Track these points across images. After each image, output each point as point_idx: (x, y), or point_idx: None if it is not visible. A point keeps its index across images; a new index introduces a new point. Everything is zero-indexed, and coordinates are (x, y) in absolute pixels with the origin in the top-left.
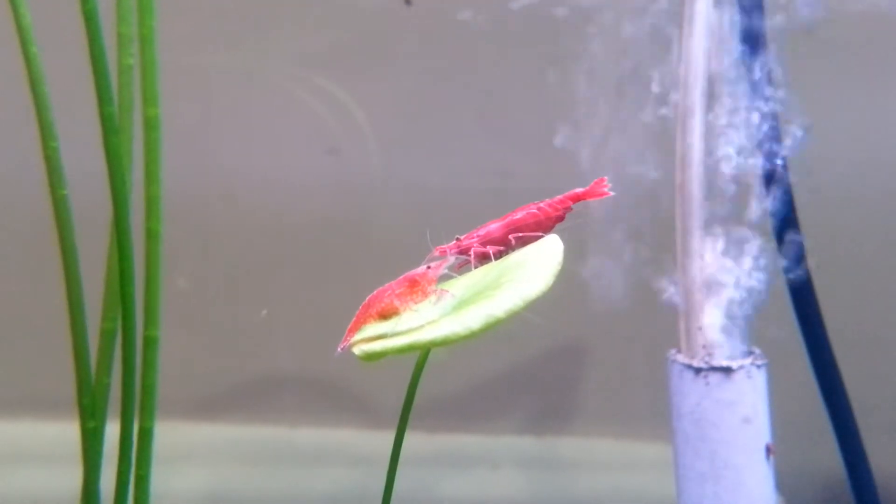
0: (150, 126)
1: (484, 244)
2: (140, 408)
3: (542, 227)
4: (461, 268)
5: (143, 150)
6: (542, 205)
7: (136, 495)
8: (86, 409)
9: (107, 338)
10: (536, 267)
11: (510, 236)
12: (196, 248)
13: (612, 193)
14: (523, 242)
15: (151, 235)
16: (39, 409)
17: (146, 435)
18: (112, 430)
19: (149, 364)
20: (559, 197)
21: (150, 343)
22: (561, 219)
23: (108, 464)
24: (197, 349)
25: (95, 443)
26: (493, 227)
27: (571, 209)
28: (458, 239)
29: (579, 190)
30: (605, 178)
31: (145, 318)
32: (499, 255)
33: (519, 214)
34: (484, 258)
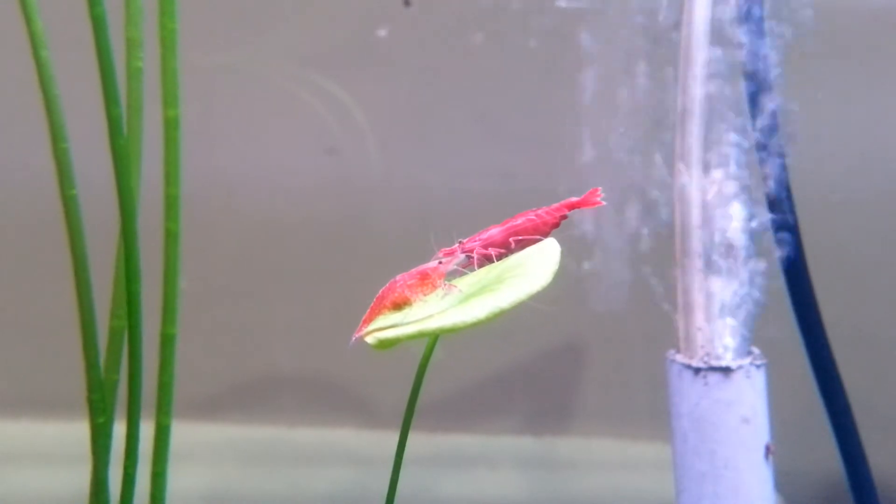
0: (170, 127)
1: (486, 247)
2: (157, 405)
3: (540, 231)
4: (465, 268)
5: (163, 151)
6: (539, 212)
7: (153, 492)
8: (95, 405)
9: (115, 335)
10: (537, 265)
11: (510, 239)
12: (195, 247)
13: (605, 203)
14: (522, 246)
15: (170, 235)
16: (40, 408)
17: (163, 432)
18: (117, 430)
19: (166, 361)
20: (555, 205)
21: (167, 341)
22: (556, 225)
23: (114, 463)
24: (196, 349)
25: (104, 438)
26: (494, 231)
27: (567, 217)
28: (460, 242)
29: (574, 199)
30: (599, 188)
31: (163, 316)
32: (500, 257)
33: (518, 220)
34: (486, 259)
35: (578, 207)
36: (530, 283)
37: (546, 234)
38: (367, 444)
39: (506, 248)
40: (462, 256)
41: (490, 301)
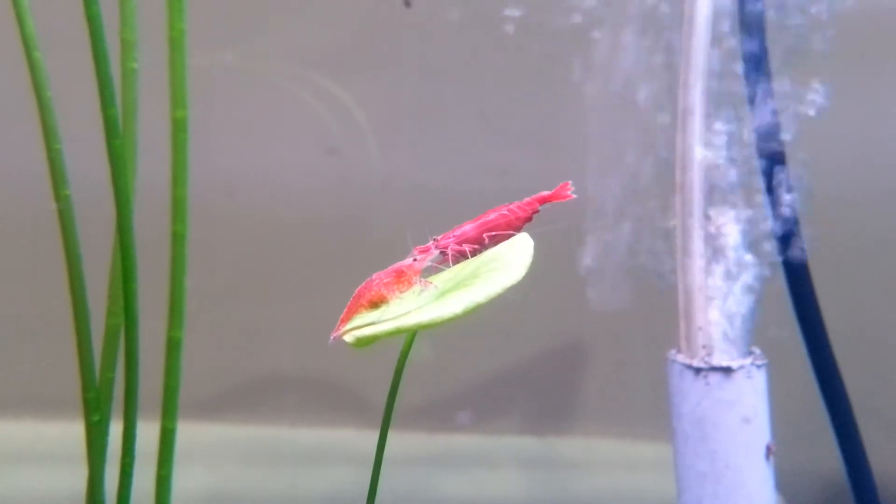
0: (178, 128)
1: (460, 243)
2: (163, 409)
3: (513, 226)
4: (440, 265)
5: (171, 152)
6: (512, 206)
7: (158, 495)
8: (90, 403)
9: (111, 334)
10: (511, 260)
11: (484, 235)
12: (195, 247)
13: (574, 196)
14: (496, 241)
15: (177, 238)
16: (40, 409)
17: (169, 435)
18: (117, 429)
19: (172, 365)
20: (527, 199)
21: (173, 345)
22: (529, 219)
23: (111, 462)
24: (197, 349)
25: (100, 436)
26: (468, 227)
27: (538, 211)
28: (434, 239)
29: (545, 193)
30: (569, 182)
31: (170, 319)
32: (474, 253)
33: (491, 216)
34: (461, 255)
35: (550, 201)
36: (505, 278)
37: (519, 229)
38: (367, 444)
39: (480, 244)
40: (437, 253)
41: (466, 296)
